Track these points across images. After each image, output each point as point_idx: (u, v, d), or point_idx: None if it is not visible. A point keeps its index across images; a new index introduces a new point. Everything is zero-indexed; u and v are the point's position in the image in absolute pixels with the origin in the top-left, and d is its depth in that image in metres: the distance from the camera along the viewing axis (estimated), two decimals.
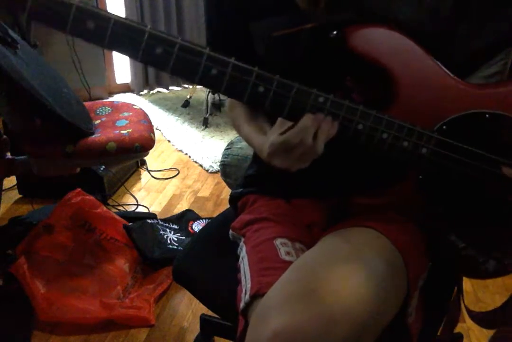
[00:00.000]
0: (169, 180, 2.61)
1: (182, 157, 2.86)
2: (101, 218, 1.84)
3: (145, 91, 3.87)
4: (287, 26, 0.84)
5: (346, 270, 0.71)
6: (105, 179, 2.27)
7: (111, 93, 3.83)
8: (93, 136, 1.72)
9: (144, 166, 2.68)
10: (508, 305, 0.90)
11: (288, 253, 0.84)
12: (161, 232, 1.92)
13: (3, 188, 1.93)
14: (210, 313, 1.18)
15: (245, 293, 0.80)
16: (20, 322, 1.55)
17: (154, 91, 3.89)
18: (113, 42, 0.67)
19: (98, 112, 2.02)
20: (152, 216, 2.13)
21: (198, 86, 3.48)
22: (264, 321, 0.67)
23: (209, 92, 3.20)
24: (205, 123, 3.19)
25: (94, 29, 0.66)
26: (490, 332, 1.53)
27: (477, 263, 0.84)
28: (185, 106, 3.50)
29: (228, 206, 1.11)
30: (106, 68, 3.69)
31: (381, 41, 0.78)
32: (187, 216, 2.10)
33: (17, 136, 1.72)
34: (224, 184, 1.97)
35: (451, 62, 0.83)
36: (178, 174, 2.66)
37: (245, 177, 1.07)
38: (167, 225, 1.99)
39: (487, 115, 0.80)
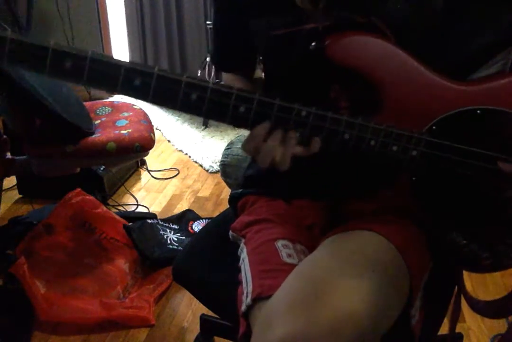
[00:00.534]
0: (169, 180, 2.61)
1: (182, 157, 2.86)
2: (101, 218, 1.84)
3: None
4: (286, 25, 0.84)
5: (349, 275, 0.71)
6: (105, 178, 2.27)
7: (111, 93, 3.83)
8: (93, 136, 1.72)
9: (144, 166, 2.68)
10: None
11: (289, 255, 0.84)
12: (161, 232, 1.92)
13: (3, 188, 1.93)
14: (210, 313, 1.18)
15: (247, 296, 0.80)
16: (20, 322, 1.55)
17: None
18: (91, 79, 0.69)
19: (98, 112, 2.02)
20: (152, 216, 2.13)
21: None
22: (270, 329, 0.67)
23: None
24: (205, 123, 3.20)
25: (71, 69, 0.68)
26: (490, 332, 1.54)
27: (480, 258, 0.84)
28: None
29: (228, 205, 1.11)
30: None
31: (360, 49, 0.78)
32: (187, 216, 2.10)
33: (17, 136, 1.72)
34: (224, 184, 1.97)
35: (449, 62, 0.83)
36: (178, 174, 2.66)
37: (244, 177, 1.07)
38: (167, 225, 1.99)
39: (478, 112, 0.80)
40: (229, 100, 0.73)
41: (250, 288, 0.80)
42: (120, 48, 3.91)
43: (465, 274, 0.96)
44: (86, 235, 1.80)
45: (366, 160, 0.80)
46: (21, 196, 2.32)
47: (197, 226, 2.04)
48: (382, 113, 0.80)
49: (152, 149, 1.81)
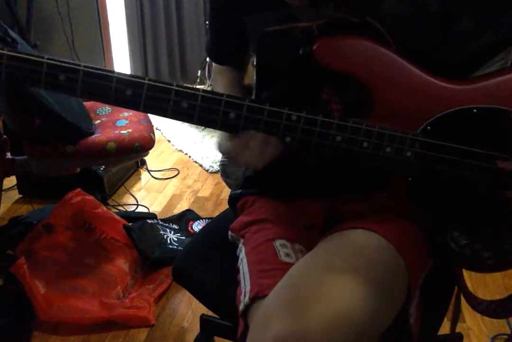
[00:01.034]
0: (169, 180, 2.61)
1: (182, 157, 2.86)
2: (101, 218, 1.84)
3: None
4: (279, 22, 0.84)
5: (345, 273, 0.71)
6: (105, 179, 2.27)
7: None
8: (93, 136, 1.72)
9: (144, 166, 2.68)
10: None
11: (287, 255, 0.84)
12: (161, 232, 1.92)
13: (3, 188, 1.93)
14: (210, 313, 1.17)
15: (244, 295, 0.80)
16: (20, 322, 1.55)
17: None
18: (85, 92, 0.73)
19: (98, 112, 2.02)
20: (152, 216, 2.13)
21: (199, 86, 3.47)
22: (265, 327, 0.67)
23: None
24: None
25: (65, 82, 0.72)
26: (490, 332, 1.54)
27: (482, 258, 0.83)
28: None
29: (228, 206, 1.11)
30: (106, 68, 3.70)
31: (348, 52, 0.79)
32: (187, 216, 2.10)
33: (17, 136, 1.72)
34: (224, 184, 1.97)
35: (449, 63, 0.83)
36: (178, 174, 2.66)
37: (244, 177, 1.07)
38: (167, 225, 1.99)
39: (474, 111, 0.79)
40: (219, 107, 0.75)
41: (248, 288, 0.80)
42: (120, 48, 3.91)
43: (465, 274, 0.96)
44: (86, 235, 1.80)
45: (359, 162, 0.80)
46: (21, 196, 2.33)
47: (197, 226, 2.04)
48: (375, 115, 0.80)
49: (152, 149, 1.81)
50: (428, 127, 0.80)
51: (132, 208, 2.31)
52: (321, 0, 0.81)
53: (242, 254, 0.90)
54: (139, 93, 0.73)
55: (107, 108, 2.04)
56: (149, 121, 1.95)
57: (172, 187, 2.53)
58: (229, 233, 0.99)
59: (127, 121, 1.89)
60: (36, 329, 1.55)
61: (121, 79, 0.73)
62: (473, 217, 0.83)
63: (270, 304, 0.70)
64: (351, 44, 0.79)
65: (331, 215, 0.93)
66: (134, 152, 1.73)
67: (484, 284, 1.73)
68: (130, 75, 0.74)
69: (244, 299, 0.79)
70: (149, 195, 2.44)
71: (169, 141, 3.06)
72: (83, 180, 2.10)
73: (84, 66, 0.72)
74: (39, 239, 1.74)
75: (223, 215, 1.18)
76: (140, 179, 2.61)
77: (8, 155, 1.80)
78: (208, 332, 1.46)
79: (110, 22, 3.72)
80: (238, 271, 0.88)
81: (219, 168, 2.00)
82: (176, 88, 0.74)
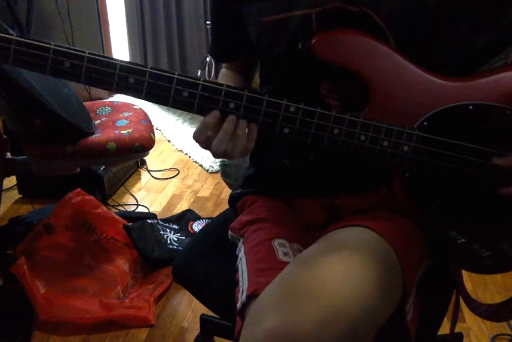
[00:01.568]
0: (169, 180, 2.61)
1: (182, 157, 2.87)
2: (101, 218, 1.84)
3: None
4: (277, 11, 0.85)
5: (340, 269, 0.71)
6: (105, 179, 2.27)
7: (111, 93, 3.82)
8: (93, 136, 1.72)
9: (144, 166, 2.68)
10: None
11: (285, 254, 0.84)
12: (161, 232, 1.92)
13: (3, 188, 1.93)
14: (210, 313, 1.18)
15: (242, 293, 0.80)
16: (20, 322, 1.55)
17: None
18: (89, 78, 0.75)
19: (98, 112, 2.02)
20: (152, 216, 2.13)
21: None
22: (258, 321, 0.66)
23: None
24: None
25: (70, 68, 0.75)
26: (490, 332, 1.54)
27: (481, 257, 0.83)
28: None
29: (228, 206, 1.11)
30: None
31: (346, 47, 0.79)
32: (187, 216, 2.10)
33: (17, 136, 1.72)
34: (224, 183, 1.97)
35: (449, 63, 0.83)
36: (178, 174, 2.66)
37: (244, 177, 1.07)
38: (167, 225, 1.99)
39: (470, 107, 0.80)
40: (219, 96, 0.76)
41: (245, 286, 0.80)
42: (120, 48, 3.91)
43: (465, 274, 0.96)
44: (86, 235, 1.80)
45: (357, 156, 0.81)
46: (21, 196, 2.33)
47: (197, 226, 2.04)
48: (372, 109, 0.81)
49: (152, 149, 1.81)
50: (425, 123, 0.80)
51: (132, 208, 2.31)
52: None
53: (241, 253, 0.90)
54: (142, 80, 0.75)
55: (107, 108, 2.04)
56: (149, 121, 1.95)
57: (172, 187, 2.53)
58: (229, 232, 1.00)
59: (127, 121, 1.88)
60: (36, 329, 1.55)
61: (124, 67, 0.75)
62: (471, 216, 0.84)
63: (263, 300, 0.70)
64: (349, 39, 0.80)
65: (331, 214, 0.93)
66: (134, 152, 1.73)
67: (484, 284, 1.73)
68: (133, 63, 0.76)
69: (241, 297, 0.79)
70: (149, 195, 2.44)
71: (169, 141, 3.06)
72: (83, 180, 2.10)
73: (89, 53, 0.75)
74: (39, 239, 1.74)
75: (223, 214, 1.18)
76: (140, 179, 2.62)
77: (8, 155, 1.80)
78: (208, 332, 1.46)
79: (110, 22, 3.72)
80: (236, 270, 0.89)
81: (219, 169, 2.00)
82: (178, 76, 0.76)
